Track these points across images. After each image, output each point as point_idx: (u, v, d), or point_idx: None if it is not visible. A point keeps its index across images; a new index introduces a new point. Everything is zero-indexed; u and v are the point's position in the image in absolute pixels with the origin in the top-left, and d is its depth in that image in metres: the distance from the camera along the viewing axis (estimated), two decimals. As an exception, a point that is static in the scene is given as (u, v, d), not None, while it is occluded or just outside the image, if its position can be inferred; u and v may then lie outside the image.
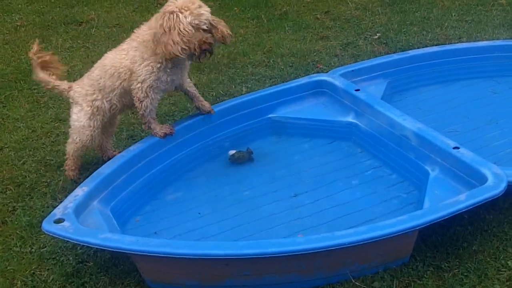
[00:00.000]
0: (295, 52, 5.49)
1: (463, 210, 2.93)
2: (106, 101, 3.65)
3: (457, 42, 5.34)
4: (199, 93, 3.90)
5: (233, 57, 5.49)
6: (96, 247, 3.00)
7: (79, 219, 3.07)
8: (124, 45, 3.63)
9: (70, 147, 3.78)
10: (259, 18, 6.38)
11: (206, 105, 3.90)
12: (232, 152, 3.93)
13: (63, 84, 3.76)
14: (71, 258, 3.25)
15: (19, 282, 3.13)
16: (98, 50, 5.77)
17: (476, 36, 5.53)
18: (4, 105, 4.90)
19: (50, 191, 3.77)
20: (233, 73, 5.19)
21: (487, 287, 2.91)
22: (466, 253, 3.09)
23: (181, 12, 3.34)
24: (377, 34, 5.77)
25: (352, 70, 4.39)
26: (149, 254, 2.84)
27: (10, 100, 4.97)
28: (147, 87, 3.53)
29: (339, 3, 6.63)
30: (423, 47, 5.09)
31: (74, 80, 3.87)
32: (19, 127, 4.54)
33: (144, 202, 3.59)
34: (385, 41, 5.61)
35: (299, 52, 5.49)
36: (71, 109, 3.76)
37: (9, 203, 3.71)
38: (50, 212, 3.13)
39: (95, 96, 3.65)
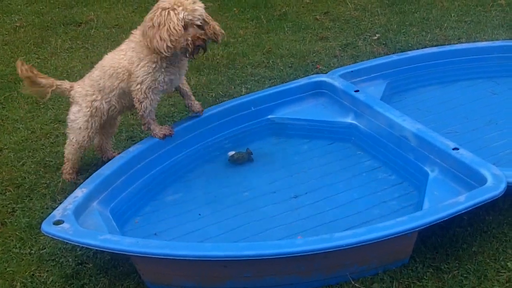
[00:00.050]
0: (294, 53, 5.49)
1: (463, 211, 2.93)
2: (105, 102, 3.65)
3: (457, 43, 5.34)
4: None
5: (232, 57, 5.49)
6: (96, 248, 3.01)
7: (79, 221, 3.07)
8: (123, 46, 3.64)
9: (68, 149, 3.78)
10: (258, 19, 6.38)
11: (196, 105, 3.88)
12: (231, 153, 3.93)
13: (65, 84, 3.77)
14: (70, 259, 3.25)
15: (18, 283, 3.12)
16: (97, 51, 5.76)
17: (475, 37, 5.53)
18: (3, 106, 4.90)
19: (50, 192, 3.77)
20: (233, 74, 5.19)
21: (486, 288, 2.92)
22: (465, 255, 3.09)
23: (174, 10, 3.33)
24: (377, 34, 5.77)
25: (352, 71, 4.38)
26: (148, 256, 2.83)
27: (10, 101, 4.96)
28: (146, 88, 3.53)
29: (338, 4, 6.63)
30: (422, 48, 5.09)
31: (73, 81, 3.86)
32: (19, 128, 4.54)
33: (144, 203, 3.59)
34: (384, 42, 5.61)
35: (299, 52, 5.49)
36: (70, 108, 3.77)
37: (8, 204, 3.71)
38: (49, 214, 3.13)
39: (94, 96, 3.65)
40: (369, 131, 3.91)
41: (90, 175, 3.45)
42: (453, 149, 3.37)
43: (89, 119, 3.67)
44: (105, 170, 3.44)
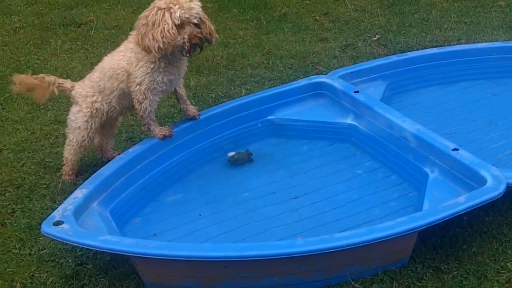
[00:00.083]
0: (294, 54, 5.49)
1: (463, 212, 2.94)
2: (106, 103, 3.66)
3: (456, 44, 5.34)
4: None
5: (232, 58, 5.49)
6: (96, 249, 3.01)
7: (78, 221, 3.07)
8: (122, 47, 3.64)
9: (68, 150, 3.79)
10: (258, 20, 6.38)
11: (191, 110, 3.86)
12: (231, 153, 3.93)
13: (67, 83, 3.78)
14: (70, 260, 3.25)
15: (18, 284, 3.12)
16: (97, 52, 5.77)
17: (475, 38, 5.53)
18: (3, 107, 4.90)
19: (49, 193, 3.77)
20: (232, 75, 5.19)
21: (486, 289, 2.92)
22: (465, 255, 3.09)
23: (169, 10, 3.32)
24: (376, 35, 5.77)
25: (351, 72, 4.39)
26: (148, 256, 2.83)
27: (9, 102, 4.96)
28: (144, 89, 3.53)
29: (338, 5, 6.64)
30: (422, 49, 5.10)
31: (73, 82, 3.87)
32: (18, 129, 4.54)
33: (144, 204, 3.59)
34: (384, 43, 5.61)
35: (298, 53, 5.49)
36: (70, 108, 3.77)
37: (8, 205, 3.71)
38: (49, 214, 3.12)
39: (95, 98, 3.66)
40: (369, 132, 3.91)
41: (90, 175, 3.46)
42: (453, 150, 3.37)
43: (89, 119, 3.67)
44: (105, 171, 3.44)
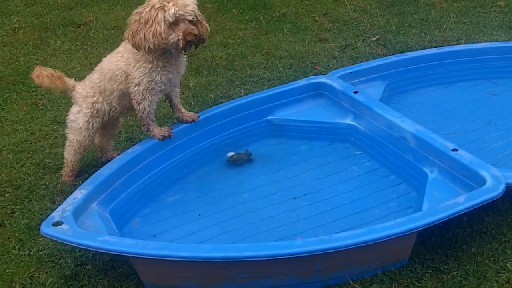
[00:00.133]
0: (293, 54, 5.49)
1: (462, 212, 2.93)
2: (107, 104, 3.66)
3: (456, 44, 5.35)
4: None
5: (231, 59, 5.50)
6: (95, 250, 3.01)
7: (78, 222, 3.07)
8: (120, 48, 3.64)
9: (68, 151, 3.79)
10: (257, 20, 6.38)
11: (187, 116, 3.85)
12: (230, 154, 3.93)
13: (70, 82, 3.78)
14: (69, 261, 3.25)
15: (17, 285, 3.12)
16: (96, 52, 5.77)
17: (474, 38, 5.53)
18: (2, 107, 4.90)
19: (49, 193, 3.77)
20: (232, 75, 5.19)
21: (485, 289, 2.92)
22: (465, 255, 3.09)
23: (163, 8, 3.31)
24: (376, 36, 5.77)
25: (351, 72, 4.39)
26: (147, 257, 2.83)
27: (9, 102, 4.96)
28: (143, 89, 3.53)
29: (337, 5, 6.64)
30: (421, 49, 5.10)
31: (72, 82, 3.87)
32: (18, 129, 4.54)
33: (143, 204, 3.59)
34: (383, 43, 5.61)
35: (298, 54, 5.49)
36: (70, 109, 3.78)
37: (7, 205, 3.71)
38: (48, 215, 3.12)
39: (95, 98, 3.66)
40: (368, 132, 3.91)
41: (89, 176, 3.45)
42: (452, 150, 3.37)
43: (90, 119, 3.67)
44: (104, 171, 3.44)
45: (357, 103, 4.00)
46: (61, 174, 3.87)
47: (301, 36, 5.92)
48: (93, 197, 3.29)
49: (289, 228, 3.33)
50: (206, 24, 3.50)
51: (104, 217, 3.24)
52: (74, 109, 3.74)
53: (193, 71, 5.20)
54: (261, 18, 6.42)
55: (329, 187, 3.64)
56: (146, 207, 3.59)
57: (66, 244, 3.10)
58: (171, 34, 3.34)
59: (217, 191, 3.70)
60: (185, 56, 3.66)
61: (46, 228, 2.99)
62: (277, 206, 3.52)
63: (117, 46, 3.70)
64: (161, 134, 3.69)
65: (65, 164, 3.84)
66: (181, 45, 3.37)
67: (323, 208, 3.47)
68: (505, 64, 4.65)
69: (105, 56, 3.73)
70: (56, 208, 3.17)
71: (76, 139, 3.73)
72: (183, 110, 3.86)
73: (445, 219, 2.90)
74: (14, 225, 3.53)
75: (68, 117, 3.77)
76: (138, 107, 3.60)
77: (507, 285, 2.92)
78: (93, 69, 3.78)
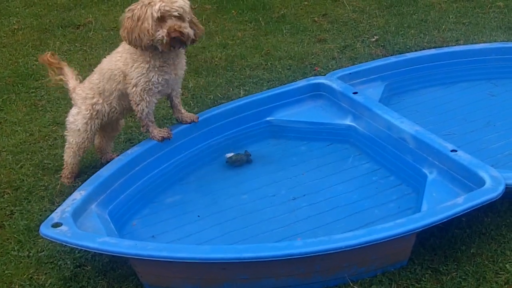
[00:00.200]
0: (292, 55, 5.50)
1: (461, 213, 2.93)
2: (107, 104, 3.66)
3: (455, 45, 5.35)
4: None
5: (230, 60, 5.50)
6: (94, 251, 3.00)
7: (77, 223, 3.06)
8: (120, 48, 3.64)
9: (67, 153, 3.78)
10: (257, 21, 6.39)
11: (186, 117, 3.84)
12: (229, 154, 3.92)
13: (71, 83, 3.79)
14: (69, 262, 3.24)
15: (16, 286, 3.12)
16: (95, 53, 5.77)
17: (473, 39, 5.53)
18: (1, 108, 4.90)
19: (48, 194, 3.76)
20: (231, 76, 5.19)
21: (485, 290, 2.92)
22: (464, 256, 3.09)
23: (150, 4, 3.31)
24: (375, 36, 5.78)
25: (350, 73, 4.39)
26: (147, 258, 2.83)
27: (8, 103, 4.96)
28: (140, 90, 3.52)
29: (336, 6, 6.64)
30: (420, 50, 5.11)
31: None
32: (17, 130, 4.53)
33: (142, 205, 3.59)
34: (382, 44, 5.61)
35: (297, 55, 5.49)
36: (70, 110, 3.78)
37: (6, 207, 3.70)
38: (48, 216, 3.12)
39: (95, 100, 3.65)
40: (367, 133, 3.91)
41: (88, 177, 3.45)
42: (452, 151, 3.37)
43: (88, 121, 3.67)
44: (104, 173, 3.44)
45: (356, 104, 4.00)
46: (60, 176, 3.87)
47: (300, 37, 5.92)
48: (92, 198, 3.29)
49: (288, 229, 3.32)
50: (197, 22, 3.49)
51: (103, 218, 3.24)
52: (73, 110, 3.74)
53: (192, 72, 5.20)
54: (260, 19, 6.42)
55: (329, 188, 3.64)
56: (145, 208, 3.58)
57: (65, 245, 3.10)
58: (158, 30, 3.34)
59: (216, 192, 3.70)
60: (184, 57, 3.65)
61: (45, 229, 2.99)
62: (277, 207, 3.52)
63: (116, 47, 3.70)
64: (160, 135, 3.68)
65: (64, 166, 3.84)
66: (164, 41, 3.35)
67: (323, 208, 3.47)
68: (504, 64, 4.66)
69: (104, 57, 3.73)
70: (55, 209, 3.17)
71: (75, 141, 3.72)
72: (183, 111, 3.86)
73: (444, 220, 2.90)
74: (13, 226, 3.53)
75: (67, 118, 3.77)
76: (137, 108, 3.59)
77: (506, 286, 2.92)
78: (92, 70, 3.78)
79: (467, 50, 4.72)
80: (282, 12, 6.57)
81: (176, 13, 3.34)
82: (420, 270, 3.03)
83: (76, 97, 3.73)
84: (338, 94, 4.14)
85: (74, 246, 3.00)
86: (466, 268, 3.02)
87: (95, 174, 3.44)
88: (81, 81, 3.83)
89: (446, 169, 3.35)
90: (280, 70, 5.23)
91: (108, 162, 3.65)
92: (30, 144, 4.35)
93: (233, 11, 6.69)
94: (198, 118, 3.87)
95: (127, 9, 3.41)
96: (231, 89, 4.95)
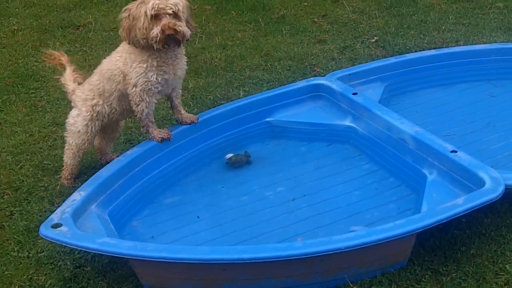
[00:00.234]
0: (292, 56, 5.50)
1: (461, 214, 2.93)
2: (107, 106, 3.66)
3: (454, 46, 5.35)
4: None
5: (230, 60, 5.50)
6: (94, 251, 3.00)
7: (77, 224, 3.06)
8: (119, 48, 3.64)
9: (67, 154, 3.78)
10: (256, 22, 6.39)
11: (186, 118, 3.84)
12: (229, 155, 3.92)
13: (70, 85, 3.79)
14: (68, 263, 3.24)
15: (16, 287, 3.11)
16: (95, 54, 5.77)
17: (473, 39, 5.54)
18: (1, 109, 4.89)
19: (48, 195, 3.76)
20: (231, 77, 5.19)
21: (485, 291, 2.92)
22: (464, 257, 3.09)
23: (144, 2, 3.32)
24: (375, 37, 5.78)
25: (350, 74, 4.39)
26: (146, 259, 2.83)
27: (8, 104, 4.96)
28: (140, 90, 3.52)
29: (336, 7, 6.64)
30: (420, 51, 5.11)
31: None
32: (17, 131, 4.53)
33: (142, 206, 3.59)
34: (382, 45, 5.61)
35: (297, 55, 5.49)
36: (70, 112, 3.78)
37: (6, 207, 3.70)
38: (47, 217, 3.12)
39: (95, 101, 3.65)
40: (367, 133, 3.91)
41: (88, 178, 3.45)
42: (451, 151, 3.37)
43: (89, 123, 3.67)
44: (103, 173, 3.44)
45: (356, 104, 4.00)
46: (60, 177, 3.87)
47: (300, 37, 5.92)
48: (92, 199, 3.29)
49: (288, 229, 3.32)
50: (191, 20, 3.50)
51: (103, 219, 3.24)
52: (73, 112, 3.74)
53: (192, 72, 5.20)
54: (260, 19, 6.42)
55: (328, 188, 3.64)
56: (145, 209, 3.58)
57: (65, 246, 3.10)
58: (153, 28, 3.34)
59: (216, 193, 3.70)
60: (184, 57, 3.65)
61: (45, 230, 2.99)
62: (276, 207, 3.52)
63: (116, 47, 3.70)
64: (160, 136, 3.68)
65: (64, 167, 3.84)
66: (159, 38, 3.34)
67: (322, 209, 3.47)
68: (503, 65, 4.66)
69: (104, 58, 3.73)
70: (55, 210, 3.17)
71: (75, 143, 3.72)
72: (183, 111, 3.86)
73: (444, 221, 2.90)
74: (13, 227, 3.53)
75: (67, 120, 3.77)
76: (137, 108, 3.59)
77: (506, 287, 2.92)
78: (92, 71, 3.78)
79: (467, 51, 4.73)
80: (282, 13, 6.57)
81: (170, 11, 3.33)
82: (420, 271, 3.03)
83: (76, 99, 3.73)
84: (338, 95, 4.14)
85: (74, 247, 3.00)
86: (466, 269, 3.02)
87: (95, 175, 3.44)
88: (80, 83, 3.84)
89: (446, 170, 3.35)
90: (279, 70, 5.23)
91: (108, 163, 3.65)
92: (30, 144, 4.35)
93: (233, 12, 6.69)
94: (198, 119, 3.87)
95: (123, 9, 3.43)
96: (230, 90, 4.95)
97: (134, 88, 3.52)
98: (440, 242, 3.18)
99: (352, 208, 3.46)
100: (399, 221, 2.92)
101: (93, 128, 3.69)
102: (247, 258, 2.77)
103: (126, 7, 3.41)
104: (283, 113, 4.19)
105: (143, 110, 3.59)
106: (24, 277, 3.17)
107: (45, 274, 3.19)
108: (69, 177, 3.83)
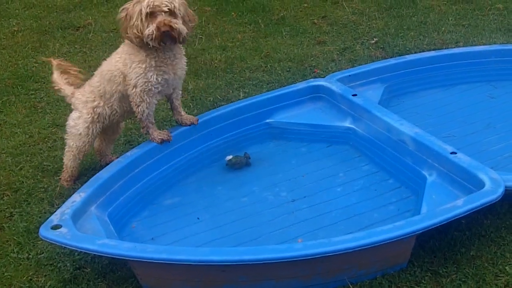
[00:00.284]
0: (292, 57, 5.50)
1: (461, 215, 2.93)
2: (108, 107, 3.66)
3: (454, 47, 5.35)
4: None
5: (230, 62, 5.50)
6: (94, 253, 3.00)
7: (77, 225, 3.06)
8: (119, 49, 3.64)
9: (67, 156, 3.78)
10: (256, 23, 6.39)
11: (186, 119, 3.84)
12: (229, 157, 3.92)
13: (68, 89, 3.78)
14: (68, 264, 3.24)
15: (16, 288, 3.13)
16: (95, 55, 5.77)
17: (473, 41, 5.54)
18: (1, 110, 4.89)
19: (47, 196, 3.76)
20: (231, 78, 5.19)
21: (485, 293, 2.91)
22: (464, 259, 3.09)
23: (140, 1, 3.32)
24: (374, 38, 5.78)
25: (349, 75, 4.39)
26: (146, 260, 2.83)
27: (7, 105, 4.96)
28: (140, 91, 3.52)
29: (336, 8, 6.64)
30: (420, 52, 5.11)
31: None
32: (16, 132, 4.53)
33: (142, 207, 3.59)
34: (382, 46, 5.61)
35: (296, 57, 5.49)
36: (70, 115, 3.77)
37: (6, 209, 3.70)
38: (47, 218, 3.12)
39: (96, 103, 3.65)
40: (367, 135, 3.91)
41: (88, 179, 3.45)
42: (451, 153, 3.37)
43: (90, 125, 3.67)
44: (103, 175, 3.44)
45: (355, 106, 4.00)
46: (60, 179, 3.87)
47: (300, 39, 5.93)
48: (92, 200, 3.29)
49: (288, 231, 3.32)
50: (190, 14, 3.50)
51: (103, 220, 3.24)
52: (74, 114, 3.73)
53: (192, 74, 5.20)
54: (260, 21, 6.43)
55: (328, 190, 3.64)
56: (145, 210, 3.58)
57: (64, 247, 3.10)
58: (149, 26, 3.34)
59: (216, 194, 3.70)
60: (184, 57, 3.65)
61: (44, 232, 2.99)
62: (276, 209, 3.52)
63: (116, 48, 3.70)
64: (160, 137, 3.68)
65: (64, 169, 3.83)
66: (154, 35, 3.34)
67: (322, 210, 3.47)
68: (503, 66, 4.66)
69: (104, 59, 3.73)
70: (55, 211, 3.17)
71: (76, 145, 3.72)
72: (183, 113, 3.86)
73: (444, 222, 2.90)
74: (13, 228, 3.52)
75: (67, 122, 3.76)
76: (137, 109, 3.59)
77: (506, 288, 2.92)
78: (92, 72, 3.78)
79: (466, 52, 4.73)
80: (282, 14, 6.57)
81: (166, 8, 3.33)
82: (420, 272, 3.03)
83: (76, 102, 3.72)
84: (338, 96, 4.14)
85: (74, 248, 3.01)
86: (465, 271, 3.01)
87: (94, 176, 3.44)
88: (71, 84, 3.83)
89: (445, 171, 3.35)
90: (279, 72, 5.23)
91: (107, 164, 3.65)
92: (29, 146, 4.35)
93: (233, 13, 6.69)
94: (197, 120, 3.87)
95: (121, 8, 3.43)
96: (230, 91, 4.95)
97: (134, 89, 3.52)
98: (440, 244, 3.17)
99: (352, 209, 3.46)
100: (398, 222, 2.92)
101: (94, 130, 3.69)
102: (247, 259, 2.77)
103: (124, 6, 3.42)
104: (283, 115, 4.19)
105: (143, 111, 3.58)
106: (24, 278, 3.17)
107: (45, 276, 3.19)
108: (68, 179, 3.82)
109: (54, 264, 3.26)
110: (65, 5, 7.22)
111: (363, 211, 3.43)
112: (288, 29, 6.18)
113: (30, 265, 3.26)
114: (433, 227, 2.89)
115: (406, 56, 4.75)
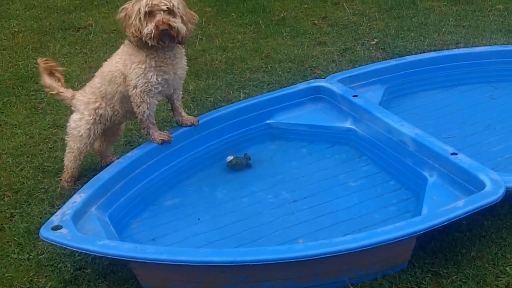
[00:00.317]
0: (292, 58, 5.50)
1: (461, 216, 2.93)
2: (109, 108, 3.66)
3: (455, 48, 5.35)
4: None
5: (231, 62, 5.50)
6: (94, 254, 2.99)
7: (77, 226, 3.06)
8: (119, 50, 3.64)
9: (68, 157, 3.77)
10: (257, 24, 6.39)
11: (186, 120, 3.84)
12: (229, 158, 3.92)
13: (67, 92, 3.78)
14: (69, 265, 3.24)
15: (16, 289, 3.13)
16: (96, 56, 5.77)
17: (473, 42, 5.54)
18: (1, 111, 4.89)
19: (48, 197, 3.76)
20: (231, 79, 5.19)
21: (485, 293, 2.91)
22: (464, 259, 3.09)
23: (139, 1, 3.33)
24: (375, 39, 5.78)
25: (350, 76, 4.39)
26: (147, 261, 2.83)
27: (8, 106, 4.96)
28: (140, 91, 3.52)
29: (336, 9, 6.65)
30: (420, 53, 5.11)
31: (72, 86, 3.87)
32: (17, 133, 4.53)
33: (142, 208, 3.59)
34: (382, 47, 5.62)
35: (297, 57, 5.50)
36: (71, 116, 3.77)
37: (6, 209, 3.70)
38: (48, 219, 3.12)
39: (98, 104, 3.65)
40: (367, 136, 3.91)
41: (89, 180, 3.45)
42: (452, 154, 3.37)
43: (92, 126, 3.66)
44: (104, 175, 3.44)
45: (356, 107, 4.00)
46: (60, 179, 3.87)
47: (300, 39, 5.93)
48: (93, 201, 3.29)
49: (288, 231, 3.32)
50: (190, 13, 3.50)
51: (103, 221, 3.24)
52: (75, 116, 3.72)
53: (192, 74, 5.20)
54: (260, 21, 6.43)
55: (328, 191, 3.64)
56: (145, 211, 3.58)
57: (65, 248, 3.09)
58: (147, 25, 3.34)
59: (216, 195, 3.70)
60: (184, 57, 3.65)
61: (45, 232, 2.99)
62: (277, 210, 3.52)
63: (116, 49, 3.70)
64: (160, 138, 3.68)
65: (64, 170, 3.83)
66: (153, 34, 3.34)
67: (323, 211, 3.47)
68: (504, 67, 4.66)
69: (105, 60, 3.73)
70: (55, 212, 3.17)
71: (77, 146, 3.72)
72: (183, 113, 3.86)
73: (444, 223, 2.90)
74: (13, 229, 3.53)
75: (68, 124, 3.75)
76: (138, 110, 3.59)
77: (506, 289, 2.92)
78: (93, 73, 3.78)
79: (467, 53, 4.73)
80: (282, 15, 6.57)
81: (164, 7, 3.33)
82: (421, 273, 3.02)
83: (77, 103, 3.72)
84: (338, 97, 4.14)
85: (74, 249, 3.01)
86: (466, 272, 3.01)
87: (95, 177, 3.44)
88: (66, 86, 3.84)
89: (446, 172, 3.35)
90: (280, 73, 5.24)
91: (108, 165, 3.65)
92: (30, 146, 4.35)
93: (233, 14, 6.70)
94: (198, 121, 3.87)
95: (120, 8, 3.44)
96: (231, 92, 4.95)
97: (134, 90, 3.52)
98: (440, 245, 3.17)
99: (352, 210, 3.46)
100: (399, 223, 2.92)
101: (95, 132, 3.69)
102: (248, 260, 2.77)
103: (123, 6, 3.43)
104: (283, 115, 4.19)
105: (144, 111, 3.58)
106: (25, 279, 3.17)
107: (46, 276, 3.19)
108: (69, 180, 3.82)
109: (55, 265, 3.26)
110: (66, 6, 7.22)
111: (363, 212, 3.43)
112: (288, 29, 6.19)
113: (31, 265, 3.26)
114: (433, 228, 2.88)
115: (407, 57, 4.76)
